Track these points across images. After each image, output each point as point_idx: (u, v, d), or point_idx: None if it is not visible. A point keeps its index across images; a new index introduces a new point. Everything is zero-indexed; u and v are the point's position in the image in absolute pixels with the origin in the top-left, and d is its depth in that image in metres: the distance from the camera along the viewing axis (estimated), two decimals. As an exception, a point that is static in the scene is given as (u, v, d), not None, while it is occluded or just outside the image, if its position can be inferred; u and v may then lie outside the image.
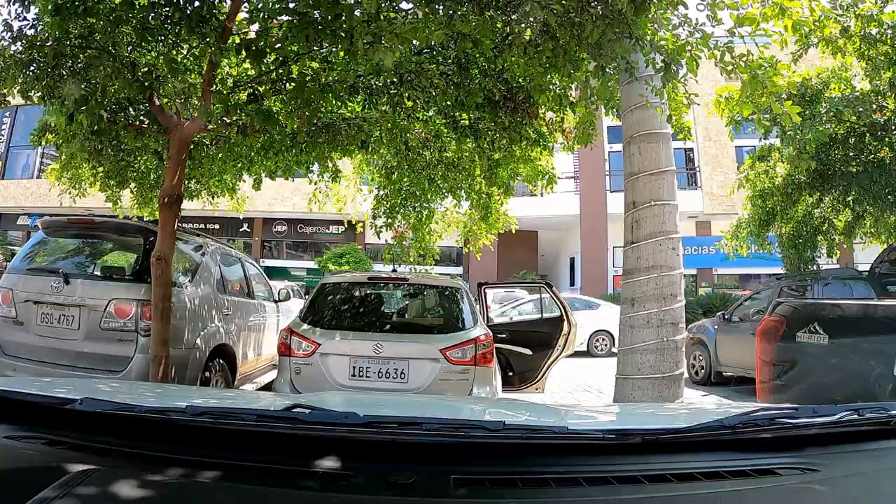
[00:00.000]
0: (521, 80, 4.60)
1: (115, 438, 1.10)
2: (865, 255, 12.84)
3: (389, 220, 7.50)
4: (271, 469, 1.01)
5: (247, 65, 4.69)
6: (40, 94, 3.85)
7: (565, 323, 5.53)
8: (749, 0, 3.69)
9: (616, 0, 3.05)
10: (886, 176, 8.49)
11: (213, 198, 7.73)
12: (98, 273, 4.56)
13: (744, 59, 3.66)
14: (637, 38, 3.29)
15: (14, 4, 3.56)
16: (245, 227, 22.03)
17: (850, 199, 9.40)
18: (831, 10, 5.35)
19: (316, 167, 6.97)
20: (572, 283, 21.99)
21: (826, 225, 10.24)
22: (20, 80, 3.70)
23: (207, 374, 4.65)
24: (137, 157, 6.09)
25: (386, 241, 9.12)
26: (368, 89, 4.78)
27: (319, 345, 4.08)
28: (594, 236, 19.86)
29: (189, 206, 5.71)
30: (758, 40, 3.80)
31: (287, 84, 4.19)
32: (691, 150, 20.09)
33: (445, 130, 5.83)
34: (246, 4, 3.76)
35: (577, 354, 8.35)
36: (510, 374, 5.43)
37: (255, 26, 3.60)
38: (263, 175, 6.69)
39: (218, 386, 4.75)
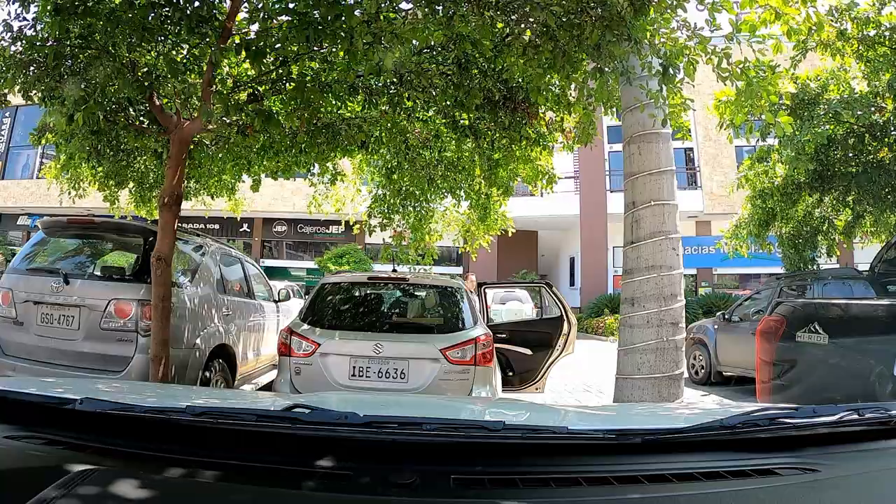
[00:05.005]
0: (520, 80, 4.60)
1: (115, 438, 1.10)
2: (865, 254, 12.83)
3: (386, 220, 7.49)
4: (271, 469, 1.01)
5: (247, 65, 4.68)
6: (40, 94, 3.85)
7: (565, 323, 5.54)
8: (747, 4, 3.69)
9: (615, 2, 3.06)
10: (886, 176, 8.50)
11: (212, 198, 7.72)
12: (98, 273, 4.56)
13: (741, 65, 3.67)
14: (636, 41, 3.30)
15: (14, 4, 3.56)
16: (245, 227, 22.05)
17: (850, 199, 9.41)
18: (827, 15, 5.36)
19: (316, 168, 6.96)
20: (572, 283, 22.01)
21: (826, 225, 10.24)
22: (20, 81, 3.70)
23: (207, 374, 4.64)
24: (137, 156, 6.09)
25: (384, 240, 9.12)
26: (368, 89, 4.77)
27: (319, 345, 4.08)
28: (594, 236, 19.87)
29: (188, 207, 5.71)
30: (756, 46, 3.81)
31: (287, 84, 4.18)
32: (691, 149, 20.12)
33: (445, 130, 5.83)
34: (246, 4, 3.76)
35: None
36: (510, 374, 5.43)
37: (255, 26, 3.59)
38: (263, 175, 6.68)
39: (218, 386, 4.74)
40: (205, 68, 4.07)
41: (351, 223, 9.15)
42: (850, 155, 8.76)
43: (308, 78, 3.96)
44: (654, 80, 3.65)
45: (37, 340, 4.25)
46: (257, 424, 1.10)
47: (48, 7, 3.16)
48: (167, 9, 3.41)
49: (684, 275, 4.32)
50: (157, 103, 4.14)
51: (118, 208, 7.46)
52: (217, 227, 20.70)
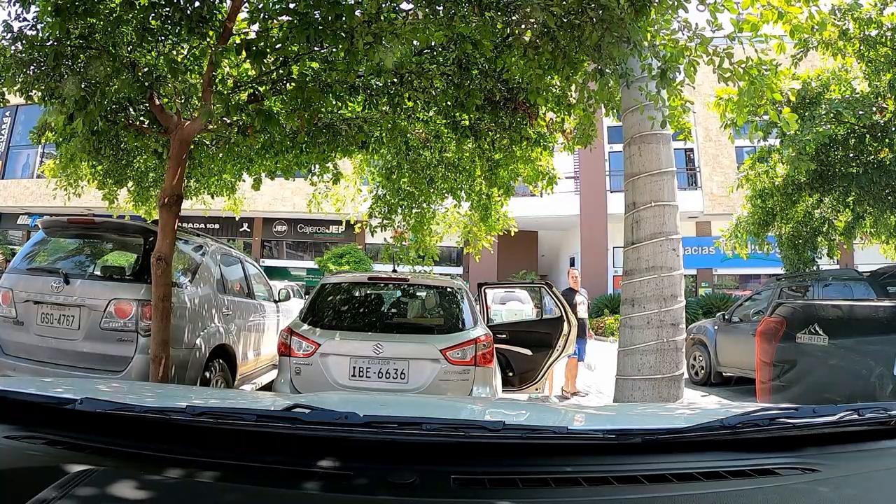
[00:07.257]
0: (520, 80, 4.60)
1: (115, 438, 1.10)
2: (866, 255, 12.83)
3: (386, 221, 7.49)
4: (271, 469, 1.01)
5: (247, 65, 4.68)
6: (40, 94, 3.85)
7: (565, 323, 5.54)
8: (749, 4, 3.69)
9: (615, 3, 3.05)
10: (886, 177, 8.49)
11: (212, 197, 7.72)
12: (98, 273, 4.56)
13: (742, 65, 3.67)
14: (635, 43, 3.30)
15: (14, 5, 3.56)
16: (245, 227, 22.05)
17: (850, 199, 9.40)
18: (829, 14, 5.36)
19: (316, 168, 6.96)
20: (572, 284, 21.95)
21: (826, 225, 10.24)
22: (20, 80, 3.70)
23: (207, 374, 4.64)
24: (136, 156, 6.08)
25: (385, 240, 9.12)
26: (369, 89, 4.77)
27: (319, 345, 4.08)
28: (594, 236, 19.87)
29: (188, 206, 5.71)
30: (757, 46, 3.81)
31: (287, 84, 4.18)
32: (691, 150, 20.11)
33: (446, 131, 5.82)
34: (246, 4, 3.76)
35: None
36: (510, 374, 5.43)
37: (256, 26, 3.60)
38: (263, 175, 6.69)
39: (218, 386, 4.75)
40: (205, 68, 4.08)
41: (352, 223, 9.14)
42: (851, 155, 8.74)
43: (308, 78, 3.96)
44: (653, 83, 3.66)
45: (37, 340, 4.25)
46: (257, 424, 1.10)
47: (49, 7, 3.16)
48: (168, 9, 3.42)
49: (684, 275, 4.32)
50: (158, 103, 4.15)
51: (117, 207, 7.45)
52: (217, 226, 20.71)
